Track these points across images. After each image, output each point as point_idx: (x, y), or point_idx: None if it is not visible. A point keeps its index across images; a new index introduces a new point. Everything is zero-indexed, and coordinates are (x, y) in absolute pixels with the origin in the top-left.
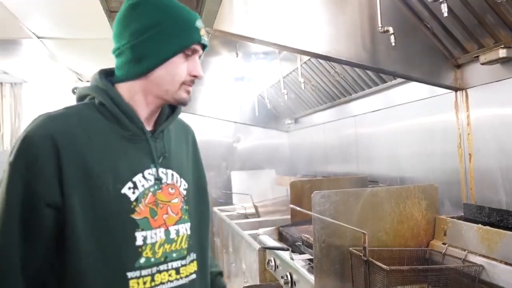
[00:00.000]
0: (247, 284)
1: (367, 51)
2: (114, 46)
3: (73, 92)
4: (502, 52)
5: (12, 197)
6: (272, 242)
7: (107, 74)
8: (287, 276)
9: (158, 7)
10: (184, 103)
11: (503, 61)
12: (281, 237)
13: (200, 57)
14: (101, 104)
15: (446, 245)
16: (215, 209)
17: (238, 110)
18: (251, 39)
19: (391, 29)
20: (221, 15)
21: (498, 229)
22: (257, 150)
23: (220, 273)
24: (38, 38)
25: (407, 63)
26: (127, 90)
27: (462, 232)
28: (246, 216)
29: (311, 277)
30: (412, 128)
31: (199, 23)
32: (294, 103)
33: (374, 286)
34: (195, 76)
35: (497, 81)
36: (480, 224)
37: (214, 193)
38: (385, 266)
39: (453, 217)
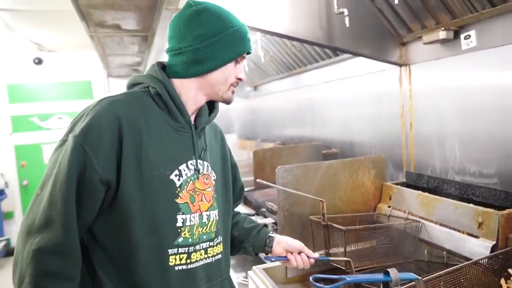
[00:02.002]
0: None
1: (323, 31)
2: (173, 46)
3: (35, 62)
4: (442, 34)
5: (73, 168)
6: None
7: (162, 67)
8: None
9: (220, 17)
10: (230, 101)
11: (442, 41)
12: (245, 201)
13: None
14: (157, 94)
15: (391, 208)
16: None
17: None
18: None
19: (345, 11)
20: None
21: (435, 196)
22: (219, 115)
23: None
24: None
25: (359, 41)
26: (180, 85)
27: (405, 197)
28: None
29: None
30: (362, 99)
31: (249, 35)
32: (254, 72)
33: (333, 244)
34: (239, 79)
35: (436, 59)
36: (420, 191)
37: None
38: (343, 227)
39: (397, 184)
